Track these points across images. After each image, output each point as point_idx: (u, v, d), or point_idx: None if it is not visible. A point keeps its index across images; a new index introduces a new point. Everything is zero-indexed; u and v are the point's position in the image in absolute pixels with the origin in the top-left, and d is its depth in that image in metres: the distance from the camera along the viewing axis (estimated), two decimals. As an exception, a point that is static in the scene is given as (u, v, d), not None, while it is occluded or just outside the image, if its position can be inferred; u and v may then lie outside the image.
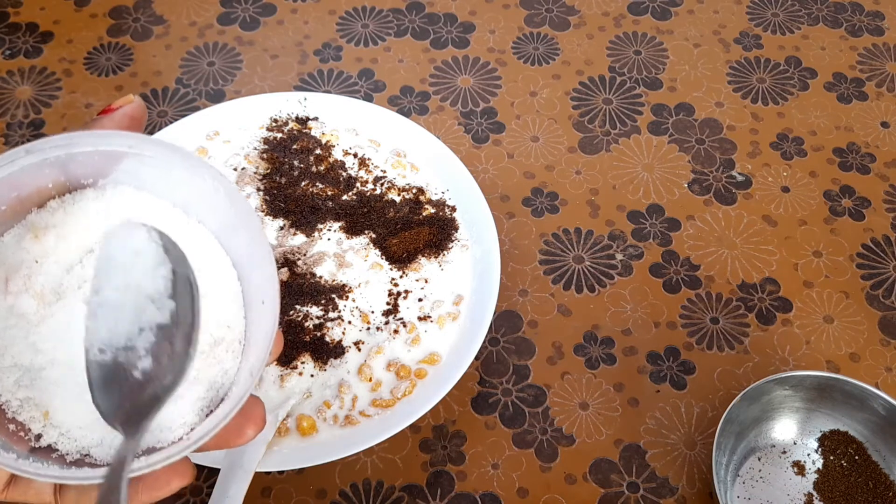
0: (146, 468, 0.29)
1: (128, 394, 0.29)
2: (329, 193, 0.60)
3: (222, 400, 0.32)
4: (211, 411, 0.32)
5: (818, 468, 0.53)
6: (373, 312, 0.55)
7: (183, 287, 0.30)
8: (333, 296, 0.56)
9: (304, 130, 0.64)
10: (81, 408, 0.31)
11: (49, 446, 0.32)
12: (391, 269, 0.57)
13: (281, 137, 0.63)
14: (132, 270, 0.29)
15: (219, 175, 0.33)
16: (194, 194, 0.34)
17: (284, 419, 0.51)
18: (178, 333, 0.30)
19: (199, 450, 0.31)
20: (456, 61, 0.75)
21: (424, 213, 0.60)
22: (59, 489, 0.32)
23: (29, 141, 0.31)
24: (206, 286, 0.32)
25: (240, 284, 0.34)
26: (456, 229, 0.59)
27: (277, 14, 0.78)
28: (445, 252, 0.58)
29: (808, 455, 0.54)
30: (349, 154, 0.63)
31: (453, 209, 0.60)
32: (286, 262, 0.57)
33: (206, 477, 0.53)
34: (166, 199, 0.34)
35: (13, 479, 0.31)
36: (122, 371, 0.29)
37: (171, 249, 0.30)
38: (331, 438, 0.51)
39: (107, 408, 0.29)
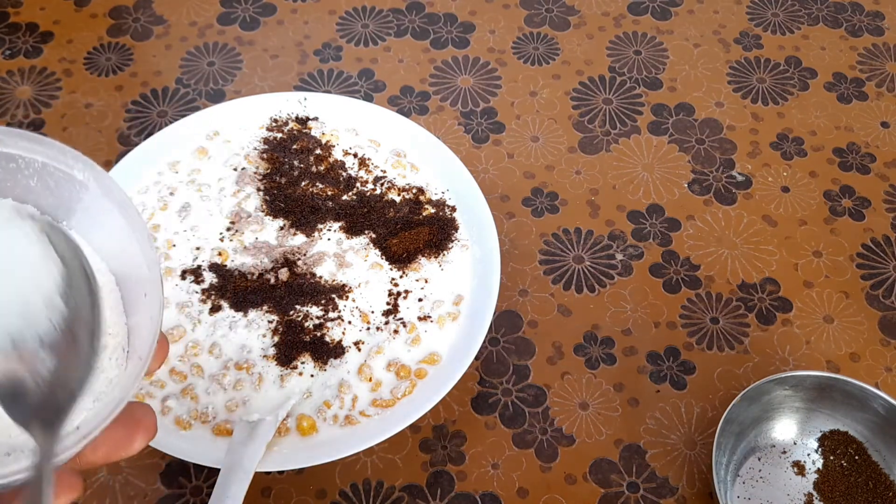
0: (10, 478, 0.27)
1: (37, 397, 0.27)
2: (329, 193, 0.60)
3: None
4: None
5: (818, 468, 0.53)
6: (373, 312, 0.55)
7: (79, 280, 0.28)
8: (333, 296, 0.56)
9: (304, 130, 0.64)
10: None
11: None
12: (391, 269, 0.57)
13: (281, 137, 0.63)
14: (18, 264, 0.28)
15: (90, 165, 0.30)
16: (63, 195, 0.31)
17: (284, 419, 0.51)
18: (79, 329, 0.28)
19: (87, 463, 0.29)
20: (456, 61, 0.75)
21: (424, 213, 0.60)
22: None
23: None
24: None
25: (119, 290, 0.33)
26: (456, 229, 0.59)
27: (277, 14, 0.78)
28: (445, 252, 0.58)
29: (808, 455, 0.54)
30: (349, 154, 0.63)
31: (453, 209, 0.60)
32: (286, 262, 0.57)
33: (207, 477, 0.53)
34: (30, 202, 0.32)
35: None
36: (24, 375, 0.27)
37: (57, 240, 0.28)
38: (331, 438, 0.51)
39: (19, 413, 0.27)
